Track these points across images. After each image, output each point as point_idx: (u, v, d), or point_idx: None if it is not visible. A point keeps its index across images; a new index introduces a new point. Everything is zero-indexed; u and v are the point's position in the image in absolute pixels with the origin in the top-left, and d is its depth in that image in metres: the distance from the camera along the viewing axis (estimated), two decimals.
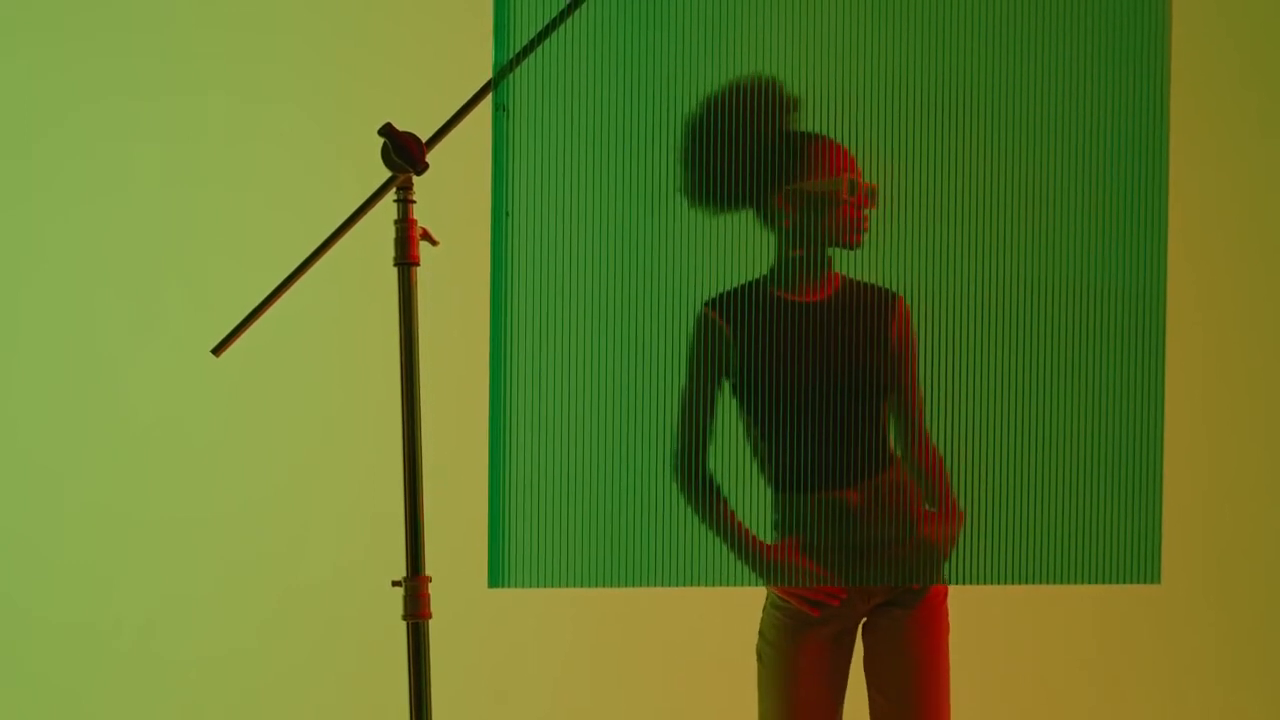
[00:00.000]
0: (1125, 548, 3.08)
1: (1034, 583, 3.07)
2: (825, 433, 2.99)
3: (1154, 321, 3.04)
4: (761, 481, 3.09)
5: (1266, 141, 4.96)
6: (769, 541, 3.04)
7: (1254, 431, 4.95)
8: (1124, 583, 3.07)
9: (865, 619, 3.22)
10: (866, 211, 2.99)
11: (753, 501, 3.09)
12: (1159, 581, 3.07)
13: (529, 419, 3.00)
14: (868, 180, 2.98)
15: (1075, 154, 3.02)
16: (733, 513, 3.03)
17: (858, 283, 3.03)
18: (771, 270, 3.04)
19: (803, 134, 3.00)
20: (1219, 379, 4.93)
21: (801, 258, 3.03)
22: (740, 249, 3.09)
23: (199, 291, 4.75)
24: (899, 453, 3.07)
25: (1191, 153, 4.42)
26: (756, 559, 3.02)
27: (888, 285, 3.02)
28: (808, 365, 2.99)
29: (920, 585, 3.13)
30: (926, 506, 3.04)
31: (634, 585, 3.02)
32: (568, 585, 3.02)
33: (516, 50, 2.89)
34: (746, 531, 3.03)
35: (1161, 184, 3.00)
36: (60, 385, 4.81)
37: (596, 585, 3.04)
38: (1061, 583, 3.08)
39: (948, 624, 3.21)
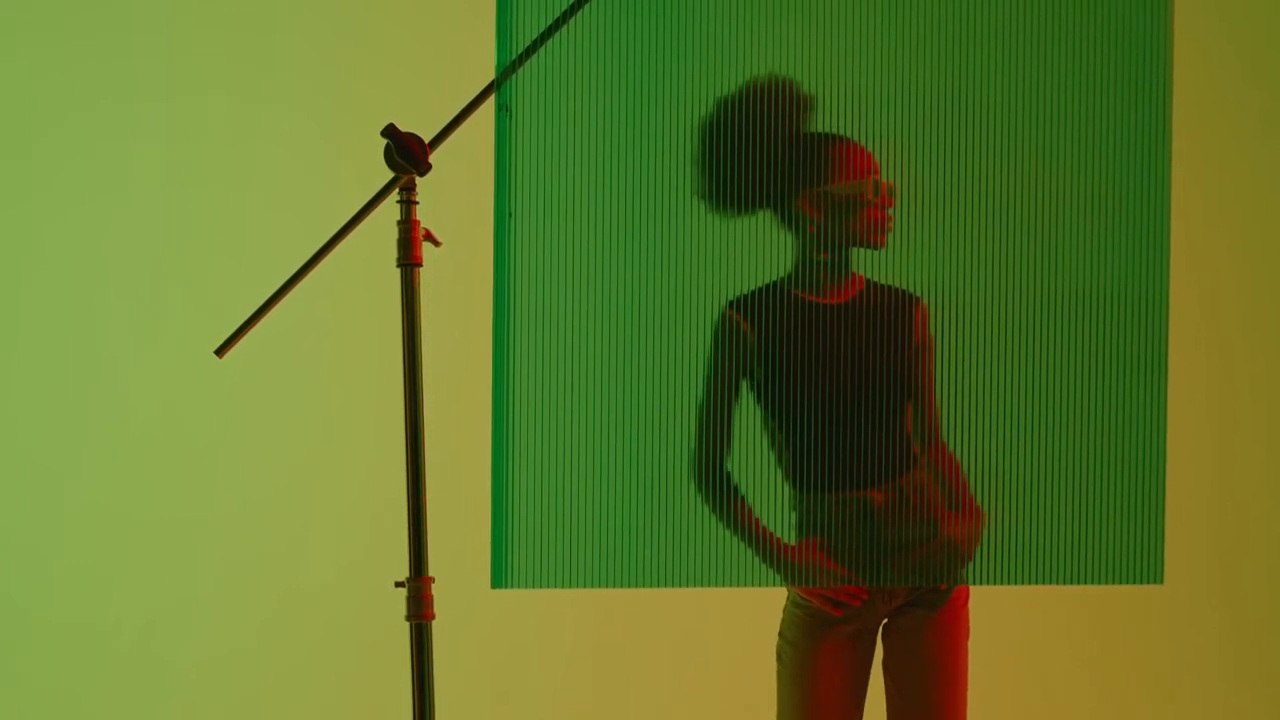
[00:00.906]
0: (1128, 548, 3.09)
1: (1038, 583, 3.09)
2: (848, 433, 3.01)
3: (1157, 323, 3.05)
4: (780, 482, 3.11)
5: (1269, 143, 4.98)
6: (790, 542, 3.06)
7: (1256, 432, 4.97)
8: (1127, 583, 3.08)
9: (886, 619, 3.22)
10: (890, 211, 3.01)
11: (772, 502, 3.11)
12: (1161, 582, 3.08)
13: (532, 419, 3.01)
14: (886, 180, 3.01)
15: (1080, 159, 3.04)
16: (752, 512, 3.04)
17: (879, 285, 3.05)
18: (793, 271, 3.06)
19: (823, 135, 3.02)
20: (1221, 379, 4.94)
21: (825, 260, 3.05)
22: (744, 251, 3.10)
23: (200, 292, 4.76)
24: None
25: (1194, 155, 4.43)
26: (778, 559, 3.03)
27: (904, 287, 3.05)
28: (830, 367, 3.01)
29: (946, 586, 3.15)
30: (949, 508, 3.05)
31: (637, 586, 3.05)
32: (571, 586, 3.04)
33: (519, 50, 2.90)
34: (767, 532, 3.04)
35: (1163, 187, 3.02)
36: (60, 385, 4.82)
37: (599, 586, 3.05)
38: (1065, 583, 3.09)
39: (968, 627, 3.23)
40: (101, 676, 4.79)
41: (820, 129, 3.02)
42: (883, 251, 3.04)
